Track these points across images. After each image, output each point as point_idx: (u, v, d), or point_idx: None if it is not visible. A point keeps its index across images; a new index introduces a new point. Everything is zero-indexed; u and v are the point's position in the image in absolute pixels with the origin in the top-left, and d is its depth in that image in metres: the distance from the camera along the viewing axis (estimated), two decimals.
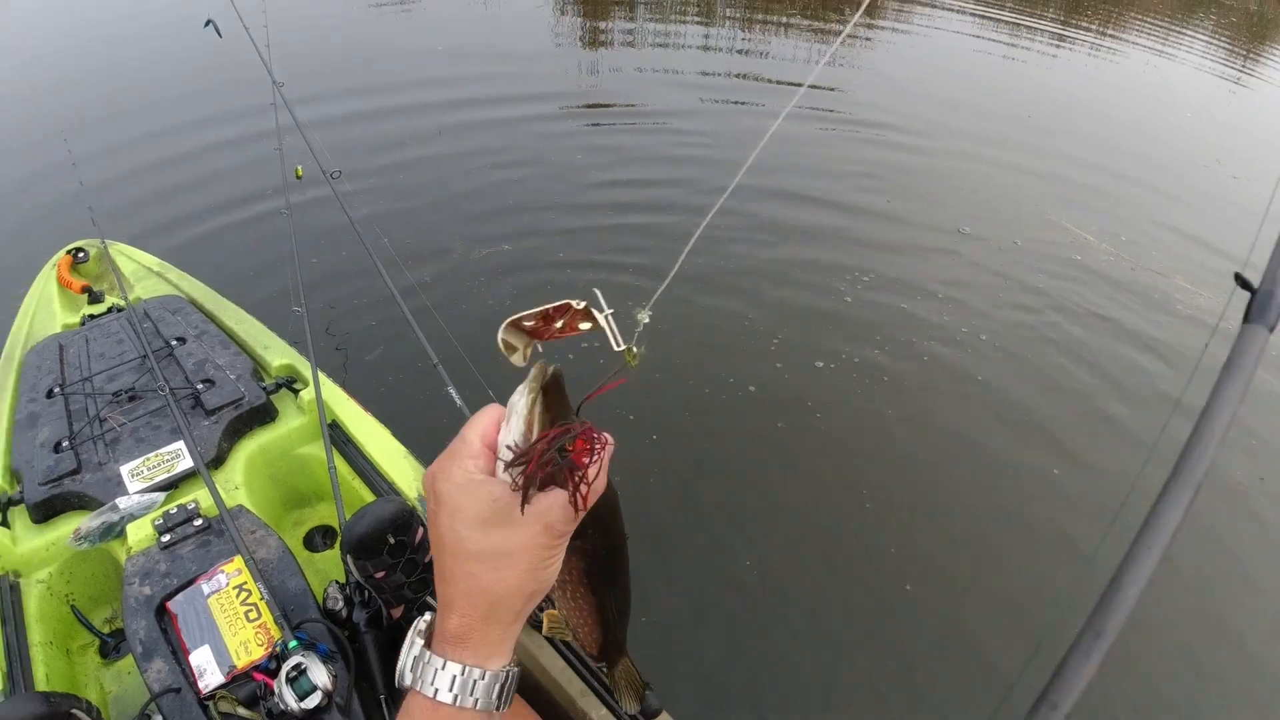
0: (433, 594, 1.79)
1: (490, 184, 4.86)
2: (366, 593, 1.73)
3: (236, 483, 1.96)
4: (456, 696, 0.58)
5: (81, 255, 2.95)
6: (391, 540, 1.64)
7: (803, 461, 3.03)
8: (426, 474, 0.61)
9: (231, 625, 1.60)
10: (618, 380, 0.62)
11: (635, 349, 0.63)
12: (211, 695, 1.52)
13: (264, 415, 2.12)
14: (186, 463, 1.95)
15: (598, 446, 0.58)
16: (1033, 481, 3.07)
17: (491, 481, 0.58)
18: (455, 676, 0.59)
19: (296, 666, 1.49)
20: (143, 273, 2.83)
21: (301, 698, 1.46)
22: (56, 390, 2.19)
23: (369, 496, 1.99)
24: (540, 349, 0.68)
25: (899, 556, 2.70)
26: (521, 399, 0.59)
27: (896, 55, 7.31)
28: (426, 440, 2.52)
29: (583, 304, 0.64)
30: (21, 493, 1.97)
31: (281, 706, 1.46)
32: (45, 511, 1.94)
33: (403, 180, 4.76)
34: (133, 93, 6.35)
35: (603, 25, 8.18)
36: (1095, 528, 2.82)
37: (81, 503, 1.94)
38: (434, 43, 7.58)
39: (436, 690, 0.58)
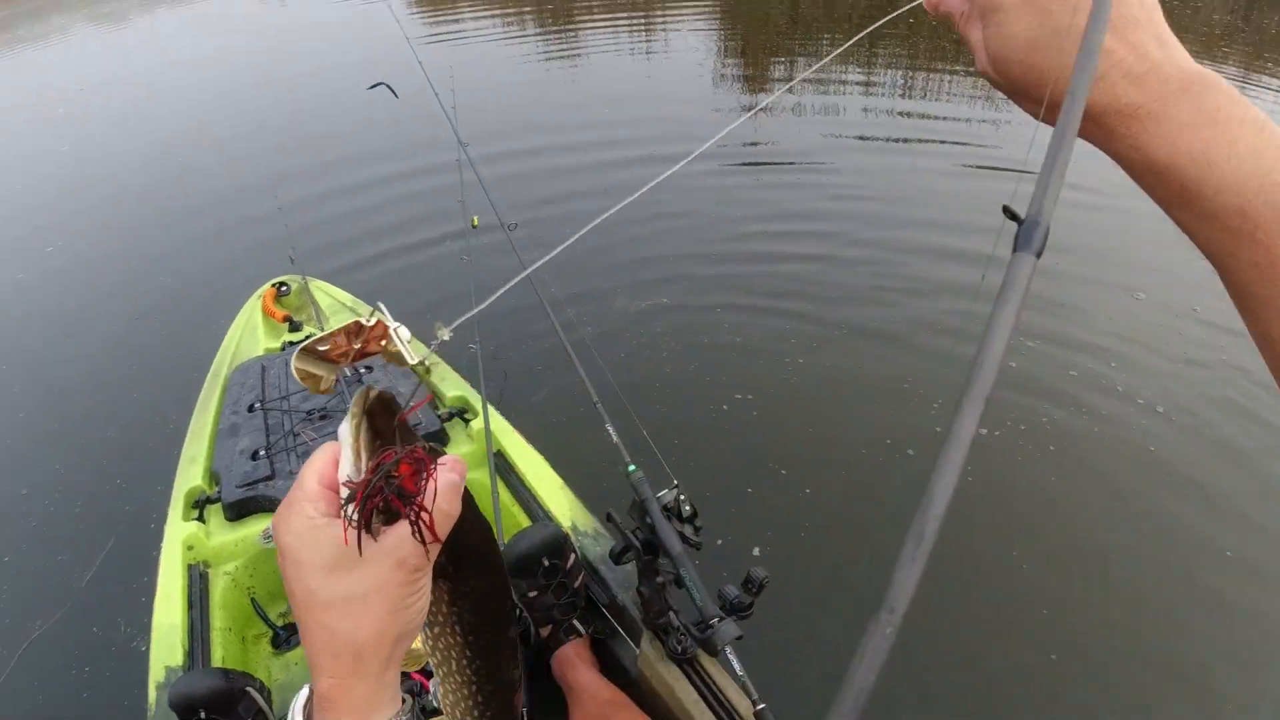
0: (579, 616, 1.87)
1: (652, 232, 5.06)
2: (519, 611, 1.83)
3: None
4: None
5: (284, 289, 3.29)
6: (545, 563, 1.74)
7: (954, 539, 2.94)
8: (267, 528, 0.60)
9: None
10: (420, 401, 0.59)
11: (427, 363, 0.60)
12: None
13: (437, 440, 2.28)
14: None
15: (427, 471, 0.54)
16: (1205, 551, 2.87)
17: (334, 524, 0.52)
18: None
19: None
20: (337, 306, 3.12)
21: None
22: (257, 405, 2.44)
23: (526, 522, 2.10)
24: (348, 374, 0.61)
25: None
26: (346, 427, 0.55)
27: None
28: (584, 473, 2.65)
29: (374, 319, 0.61)
30: (219, 493, 2.19)
31: (435, 704, 1.55)
32: (238, 511, 2.16)
33: (569, 230, 4.98)
34: (332, 145, 7.09)
35: (763, 87, 8.41)
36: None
37: (271, 506, 2.14)
38: (601, 99, 8.05)
39: None
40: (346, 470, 0.54)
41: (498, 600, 0.68)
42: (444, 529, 0.54)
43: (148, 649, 2.43)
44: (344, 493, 0.52)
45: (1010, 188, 5.03)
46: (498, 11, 13.35)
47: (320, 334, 0.61)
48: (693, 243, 4.96)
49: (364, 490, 0.51)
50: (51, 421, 3.88)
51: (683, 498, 1.69)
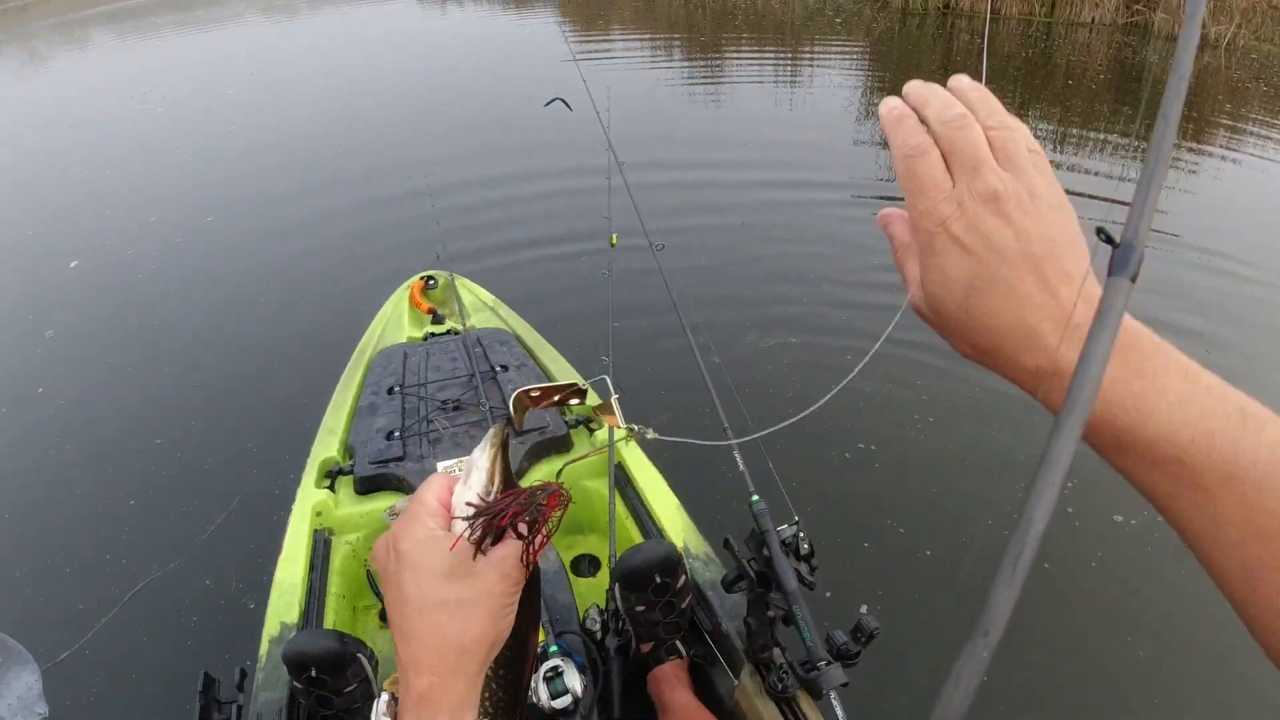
0: (681, 638, 1.89)
1: (786, 262, 5.12)
2: (622, 622, 1.86)
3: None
4: None
5: (432, 283, 3.44)
6: (657, 579, 1.76)
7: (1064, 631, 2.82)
8: (383, 539, 0.64)
9: None
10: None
11: (635, 428, 0.69)
12: None
13: (561, 445, 2.35)
14: None
15: (553, 504, 0.63)
16: None
17: (449, 537, 0.60)
18: None
19: (554, 668, 1.62)
20: (479, 305, 3.25)
21: (554, 697, 1.58)
22: (396, 389, 2.57)
23: (638, 537, 2.14)
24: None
25: None
26: (483, 455, 0.64)
27: (1229, 180, 6.76)
28: (702, 496, 2.67)
29: (585, 386, 0.73)
30: (352, 466, 2.31)
31: (534, 700, 1.60)
32: (368, 486, 2.27)
33: (708, 255, 5.17)
34: (486, 151, 7.43)
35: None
36: None
37: (399, 485, 2.24)
38: (744, 128, 8.16)
39: None
40: (478, 488, 0.63)
41: (532, 642, 0.75)
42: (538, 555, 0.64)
43: (257, 606, 2.59)
44: (465, 510, 0.61)
45: (1102, 213, 4.90)
46: (648, 36, 13.63)
47: (538, 386, 0.77)
48: (826, 277, 4.94)
49: (499, 511, 0.61)
50: (194, 379, 4.12)
51: (802, 535, 1.70)
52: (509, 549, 0.61)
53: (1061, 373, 0.48)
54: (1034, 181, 0.48)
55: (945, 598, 2.76)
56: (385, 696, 0.65)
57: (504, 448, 0.65)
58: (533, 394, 0.80)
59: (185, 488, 3.36)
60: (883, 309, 4.48)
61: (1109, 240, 0.42)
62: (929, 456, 3.43)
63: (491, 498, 0.62)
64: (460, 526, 0.61)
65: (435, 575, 0.60)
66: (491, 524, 0.61)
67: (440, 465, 2.24)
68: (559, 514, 0.65)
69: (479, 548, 0.60)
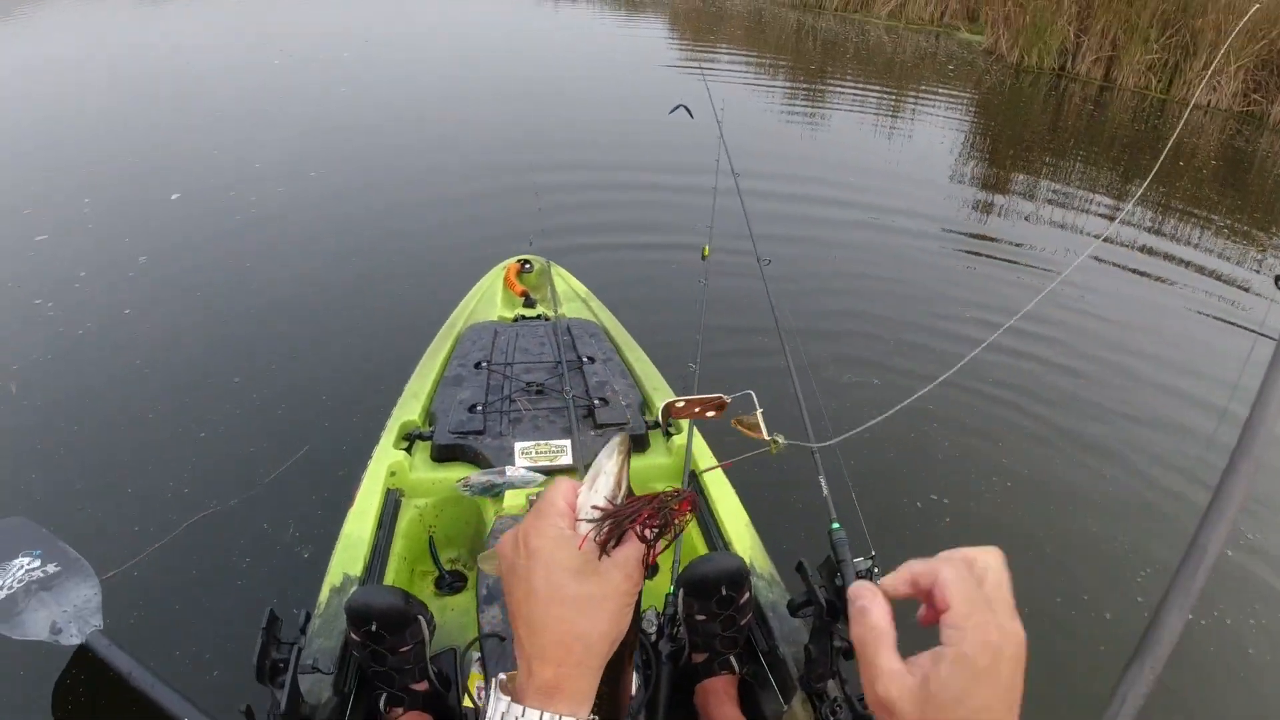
0: (736, 654, 1.88)
1: (871, 295, 5.14)
2: (678, 629, 1.85)
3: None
4: None
5: (528, 267, 3.50)
6: (723, 591, 1.76)
7: None
8: (510, 536, 0.66)
9: None
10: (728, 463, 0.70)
11: (779, 439, 0.76)
12: None
13: (638, 444, 2.36)
14: (567, 460, 2.22)
15: (683, 509, 0.65)
16: None
17: (577, 536, 0.63)
18: None
19: None
20: (571, 295, 3.30)
21: None
22: (483, 364, 2.61)
23: (703, 549, 2.13)
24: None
25: None
26: (611, 461, 0.67)
27: None
28: (774, 515, 2.64)
29: (726, 400, 0.79)
30: (432, 432, 2.34)
31: None
32: (444, 454, 2.31)
33: (801, 278, 5.21)
34: (594, 151, 7.50)
35: (1000, 172, 8.26)
36: None
37: (474, 458, 2.27)
38: (839, 156, 8.25)
39: None
40: (605, 492, 0.65)
41: (632, 647, 0.77)
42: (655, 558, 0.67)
43: (311, 556, 2.64)
44: (590, 513, 0.64)
45: (1245, 345, 4.74)
46: (755, 55, 13.63)
47: (683, 398, 0.85)
48: (911, 314, 4.92)
49: (631, 513, 0.64)
50: (278, 325, 4.19)
51: (876, 570, 1.68)
52: (632, 550, 0.64)
53: None
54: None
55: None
56: (502, 676, 0.67)
57: (628, 454, 0.69)
58: (678, 404, 0.85)
59: (255, 429, 3.40)
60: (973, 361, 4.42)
61: None
62: (999, 526, 3.34)
63: (617, 502, 0.65)
64: (587, 527, 0.63)
65: (565, 571, 0.62)
66: (619, 526, 0.64)
67: (518, 445, 2.26)
68: (688, 517, 0.67)
69: (604, 549, 0.63)
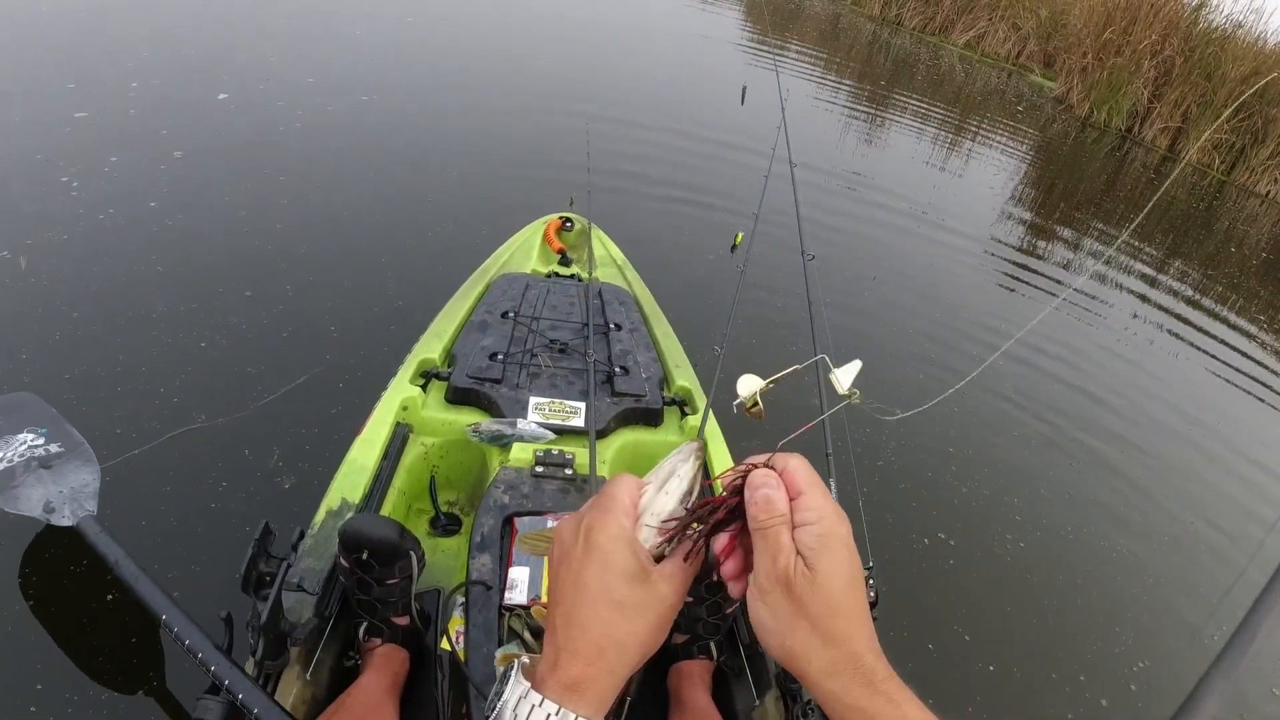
0: (716, 642, 1.89)
1: (911, 313, 5.15)
2: None
3: (605, 458, 2.21)
4: None
5: (569, 225, 3.51)
6: (714, 577, 1.76)
7: None
8: (570, 523, 0.67)
9: None
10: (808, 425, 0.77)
11: (856, 391, 0.78)
12: (511, 608, 1.70)
13: (652, 418, 2.37)
14: (579, 422, 2.23)
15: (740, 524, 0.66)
16: None
17: (637, 541, 0.64)
18: None
19: None
20: (608, 259, 3.30)
21: None
22: (511, 315, 2.62)
23: None
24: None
25: None
26: (687, 466, 0.67)
27: None
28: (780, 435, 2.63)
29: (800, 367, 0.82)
30: (450, 374, 2.36)
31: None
32: (458, 397, 2.32)
33: (834, 281, 5.19)
34: (653, 123, 7.46)
35: (1047, 221, 8.26)
36: None
37: (488, 405, 2.29)
38: (897, 176, 8.17)
39: None
40: (675, 499, 0.66)
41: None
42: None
43: (293, 488, 2.63)
44: (653, 520, 0.65)
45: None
46: (823, 59, 13.57)
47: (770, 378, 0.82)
48: (941, 331, 4.95)
49: (699, 532, 0.66)
50: (301, 244, 4.12)
51: (871, 581, 1.70)
52: (684, 567, 0.65)
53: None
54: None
55: (992, 705, 2.71)
56: (524, 659, 0.67)
57: (703, 464, 0.68)
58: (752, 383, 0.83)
59: (258, 349, 3.31)
60: (998, 413, 4.43)
61: None
62: (1017, 571, 3.31)
63: (692, 501, 0.65)
64: (649, 524, 0.64)
65: (620, 574, 0.63)
66: (691, 542, 0.65)
67: (532, 400, 2.27)
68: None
69: (661, 559, 0.65)
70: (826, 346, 2.14)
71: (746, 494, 0.65)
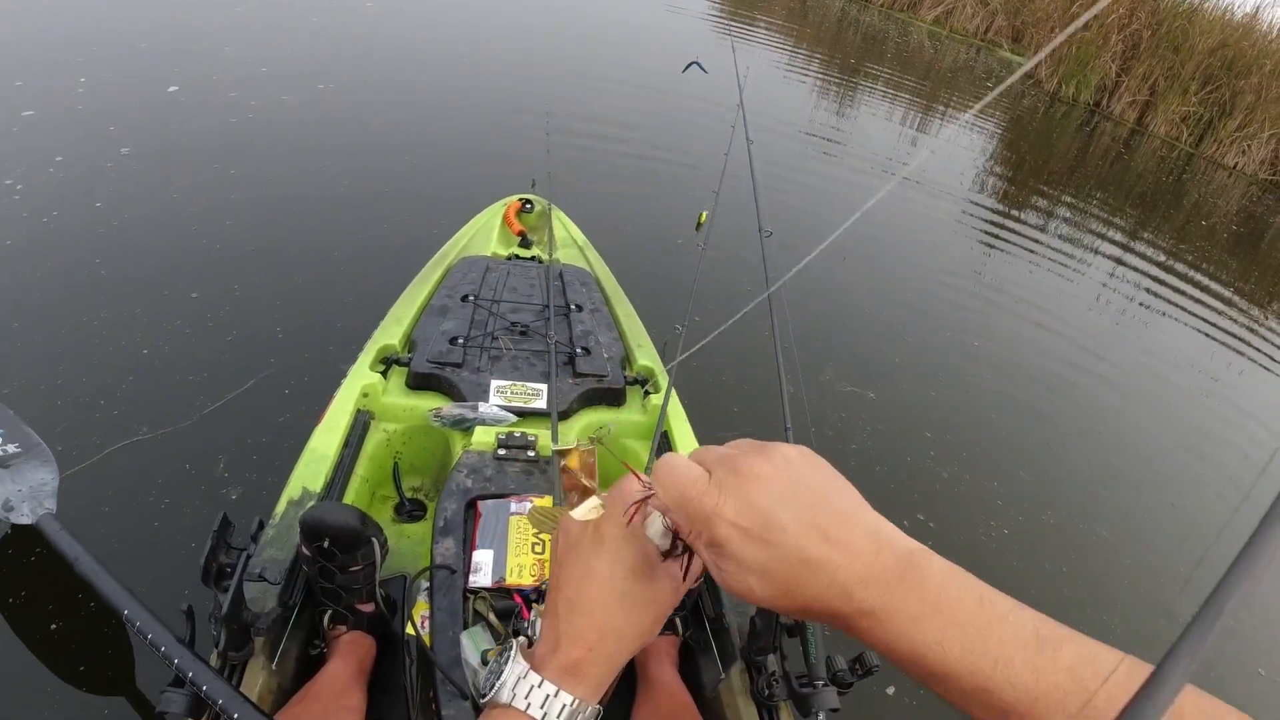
0: (681, 617, 1.93)
1: (878, 299, 5.16)
2: None
3: (569, 439, 2.23)
4: None
5: (529, 207, 3.53)
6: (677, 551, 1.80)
7: None
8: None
9: (518, 547, 1.79)
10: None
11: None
12: (476, 591, 1.72)
13: (614, 398, 2.40)
14: (541, 404, 2.26)
15: None
16: None
17: (646, 536, 0.65)
18: (566, 706, 0.63)
19: None
20: (569, 241, 3.33)
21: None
22: (471, 298, 2.63)
23: None
24: None
25: None
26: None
27: None
28: None
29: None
30: (410, 359, 2.37)
31: (529, 635, 1.64)
32: (419, 382, 2.33)
33: (804, 252, 5.15)
34: (612, 101, 7.53)
35: (1018, 193, 8.40)
36: None
37: (449, 390, 2.30)
38: (864, 152, 8.27)
39: (545, 715, 0.62)
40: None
41: None
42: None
43: (240, 500, 2.61)
44: (661, 522, 0.64)
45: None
46: (793, 37, 13.63)
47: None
48: (911, 338, 4.94)
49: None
50: (250, 240, 4.03)
51: None
52: (692, 564, 0.66)
53: (870, 613, 0.52)
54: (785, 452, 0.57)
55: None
56: (522, 640, 0.70)
57: None
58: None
59: (203, 354, 3.22)
60: (969, 395, 4.49)
61: None
62: (991, 553, 3.35)
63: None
64: (656, 530, 0.64)
65: (627, 568, 0.64)
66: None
67: (494, 383, 2.29)
68: None
69: (667, 557, 0.65)
70: (785, 320, 2.19)
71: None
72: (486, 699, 0.66)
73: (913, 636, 0.50)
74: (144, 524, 2.49)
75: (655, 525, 0.64)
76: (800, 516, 0.54)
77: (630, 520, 0.64)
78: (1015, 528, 3.50)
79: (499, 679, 0.65)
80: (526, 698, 0.63)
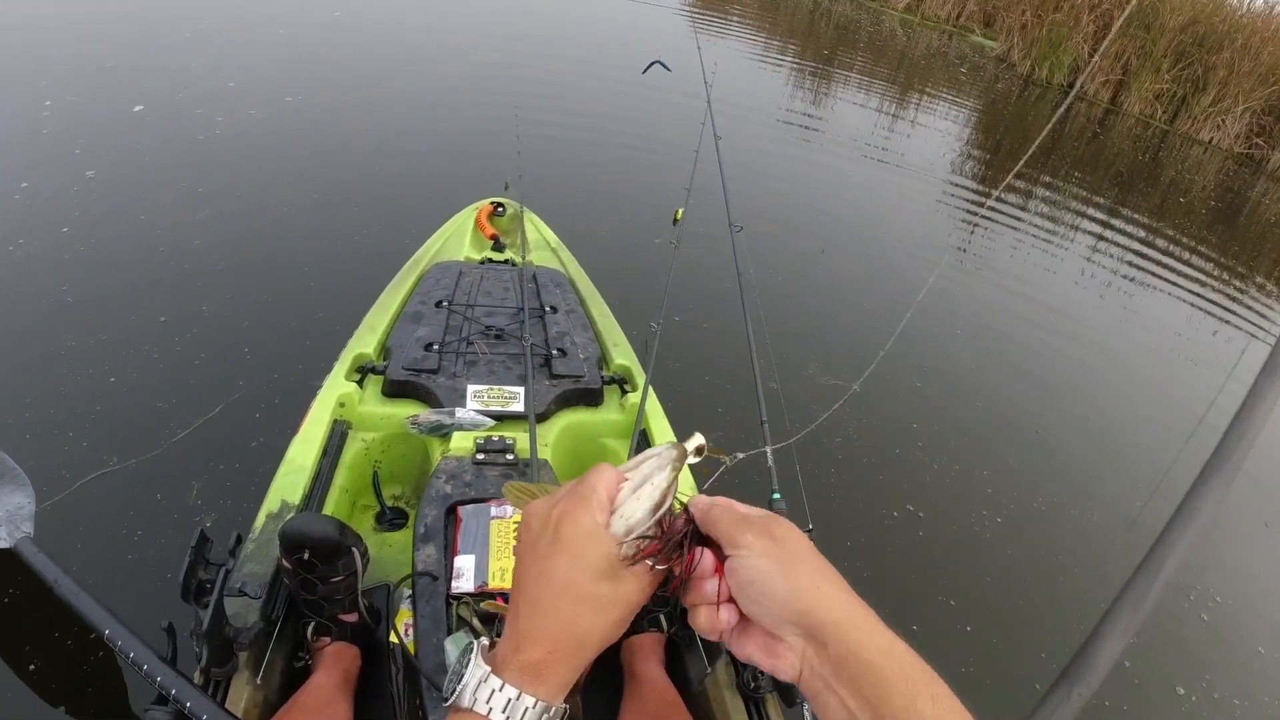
0: (666, 614, 1.94)
1: (854, 292, 5.17)
2: None
3: (547, 441, 2.24)
4: None
5: (500, 210, 3.55)
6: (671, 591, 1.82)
7: None
8: (540, 510, 0.67)
9: (499, 551, 1.79)
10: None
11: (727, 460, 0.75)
12: (459, 597, 1.72)
13: (592, 398, 2.41)
14: (519, 407, 2.27)
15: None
16: None
17: (610, 537, 0.63)
18: (528, 709, 0.62)
19: None
20: (541, 243, 3.35)
21: None
22: (445, 304, 2.65)
23: None
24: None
25: None
26: (663, 475, 0.65)
27: None
28: (719, 485, 2.66)
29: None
30: (385, 367, 2.38)
31: (493, 639, 1.65)
32: (395, 390, 2.34)
33: (774, 253, 5.27)
34: (582, 101, 7.57)
35: (996, 176, 8.47)
36: None
37: (425, 397, 2.31)
38: (838, 144, 8.26)
39: (509, 718, 0.62)
40: (647, 505, 0.64)
41: None
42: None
43: (214, 525, 2.54)
44: (623, 524, 0.64)
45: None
46: (766, 29, 13.69)
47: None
48: (893, 328, 4.93)
49: (672, 543, 0.65)
50: (220, 262, 3.97)
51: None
52: (650, 570, 0.65)
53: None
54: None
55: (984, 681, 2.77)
56: (483, 642, 0.68)
57: (679, 472, 0.68)
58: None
59: (172, 380, 3.17)
60: (958, 379, 4.52)
61: None
62: (988, 537, 3.37)
63: (659, 515, 0.65)
64: (620, 527, 0.64)
65: (587, 570, 0.63)
66: (662, 549, 0.64)
67: (470, 388, 2.30)
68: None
69: (631, 563, 0.64)
70: (758, 315, 2.22)
71: (697, 514, 0.66)
72: (449, 703, 0.65)
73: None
74: (117, 557, 2.46)
75: (619, 525, 0.63)
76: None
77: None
78: (1007, 516, 3.51)
79: (459, 682, 0.65)
80: (488, 702, 0.62)
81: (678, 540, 0.65)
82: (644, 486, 0.65)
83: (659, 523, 0.65)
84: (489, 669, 0.64)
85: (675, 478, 0.66)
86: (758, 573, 0.61)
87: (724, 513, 0.65)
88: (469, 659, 0.66)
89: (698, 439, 0.70)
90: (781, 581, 0.60)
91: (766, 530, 0.62)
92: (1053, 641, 2.93)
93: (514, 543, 1.81)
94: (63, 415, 2.92)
